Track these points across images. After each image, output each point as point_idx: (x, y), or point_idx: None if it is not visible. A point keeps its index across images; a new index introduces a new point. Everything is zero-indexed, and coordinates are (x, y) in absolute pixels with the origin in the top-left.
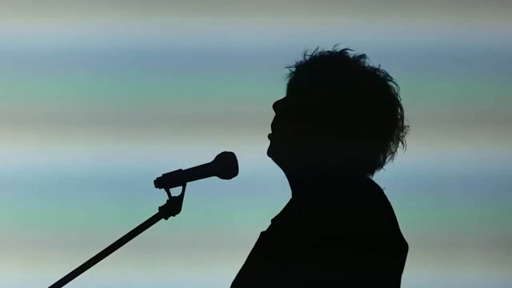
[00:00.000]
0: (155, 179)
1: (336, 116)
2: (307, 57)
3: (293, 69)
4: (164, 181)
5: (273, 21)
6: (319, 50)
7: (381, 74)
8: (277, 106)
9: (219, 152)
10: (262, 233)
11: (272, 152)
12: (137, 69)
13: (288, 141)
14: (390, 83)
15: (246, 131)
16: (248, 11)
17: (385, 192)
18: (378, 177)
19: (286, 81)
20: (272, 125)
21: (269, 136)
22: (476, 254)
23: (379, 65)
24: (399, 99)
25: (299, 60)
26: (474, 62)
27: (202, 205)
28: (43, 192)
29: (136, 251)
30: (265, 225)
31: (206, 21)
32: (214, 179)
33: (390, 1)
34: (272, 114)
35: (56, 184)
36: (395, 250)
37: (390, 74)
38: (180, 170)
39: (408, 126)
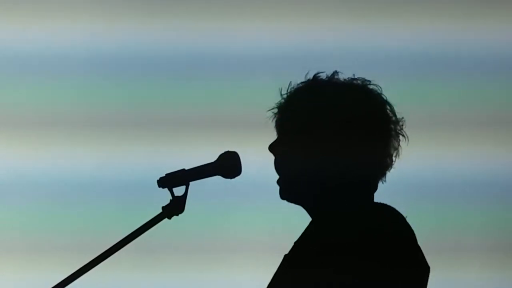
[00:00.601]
0: (158, 178)
1: (331, 137)
2: (285, 95)
3: (275, 110)
4: (168, 181)
5: (275, 25)
6: (292, 85)
7: (359, 81)
8: (273, 149)
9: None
10: (286, 256)
11: (285, 196)
12: (139, 72)
13: (295, 180)
14: (370, 86)
15: (249, 133)
16: (251, 15)
17: (388, 197)
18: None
19: (273, 124)
20: (275, 166)
21: (277, 181)
22: (479, 258)
23: (353, 75)
24: (384, 97)
25: (278, 101)
26: (476, 65)
27: (204, 206)
28: (45, 195)
29: (138, 253)
30: (266, 225)
31: (207, 24)
32: (217, 178)
33: (389, 6)
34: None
35: (58, 187)
36: (421, 276)
37: (389, 78)
38: (183, 169)
39: (403, 118)
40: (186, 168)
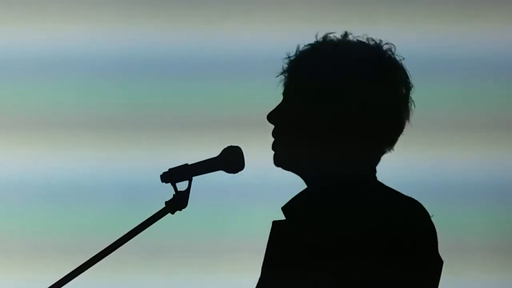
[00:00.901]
0: (161, 173)
1: (337, 114)
2: (290, 58)
3: (281, 74)
4: (171, 176)
5: (276, 26)
6: (300, 48)
7: (373, 47)
8: (271, 117)
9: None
10: (277, 223)
11: (278, 163)
12: (137, 73)
13: (292, 148)
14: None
15: (249, 133)
16: (249, 17)
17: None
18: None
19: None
20: (273, 134)
21: (272, 147)
22: (480, 260)
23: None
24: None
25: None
26: (476, 67)
27: (203, 204)
28: (42, 197)
29: (138, 253)
30: (267, 224)
31: (205, 26)
32: (220, 173)
33: (386, 7)
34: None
35: (57, 188)
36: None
37: None
38: (186, 164)
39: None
40: (189, 163)
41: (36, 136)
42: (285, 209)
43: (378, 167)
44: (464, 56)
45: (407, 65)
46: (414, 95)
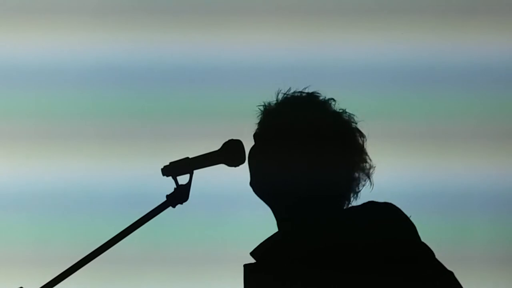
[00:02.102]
0: (162, 167)
1: (303, 148)
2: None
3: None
4: (172, 169)
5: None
6: (276, 97)
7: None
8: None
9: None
10: (249, 266)
11: (259, 194)
12: (131, 82)
13: (269, 186)
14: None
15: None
16: (245, 28)
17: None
18: (385, 192)
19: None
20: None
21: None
22: (479, 269)
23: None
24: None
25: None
26: (476, 76)
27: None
28: (27, 208)
29: (139, 253)
30: (267, 222)
31: (197, 37)
32: (221, 167)
33: (382, 17)
34: None
35: (52, 197)
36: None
37: (385, 90)
38: (187, 158)
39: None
40: (190, 156)
41: (28, 144)
42: (253, 254)
43: (379, 176)
44: (465, 65)
45: (406, 74)
46: (414, 104)
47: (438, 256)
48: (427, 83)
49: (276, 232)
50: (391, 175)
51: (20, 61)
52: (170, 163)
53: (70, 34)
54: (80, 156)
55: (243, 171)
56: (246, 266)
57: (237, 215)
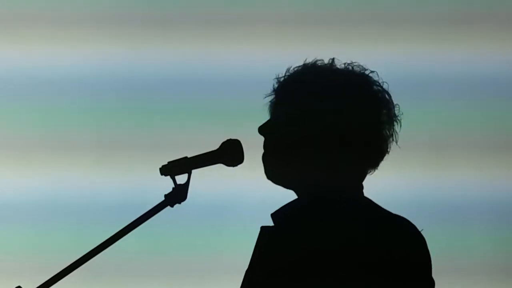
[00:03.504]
0: (160, 166)
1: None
2: (280, 80)
3: (272, 92)
4: (170, 169)
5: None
6: (291, 68)
7: (358, 74)
8: (262, 130)
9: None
10: (266, 228)
11: (269, 177)
12: (119, 94)
13: (281, 164)
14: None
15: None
16: (242, 39)
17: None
18: (383, 203)
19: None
20: (264, 146)
21: (263, 158)
22: (481, 282)
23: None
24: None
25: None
26: (473, 86)
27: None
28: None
29: (140, 253)
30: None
31: (197, 36)
32: (220, 166)
33: (381, 28)
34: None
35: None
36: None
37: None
38: (186, 157)
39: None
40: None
41: (22, 156)
42: (274, 215)
43: (376, 186)
44: (462, 76)
45: (402, 85)
46: (411, 116)
47: (436, 267)
48: (425, 92)
49: (296, 199)
50: (389, 185)
51: (16, 71)
52: (169, 162)
53: (64, 44)
54: (77, 163)
55: (243, 171)
56: (263, 228)
57: (236, 215)
